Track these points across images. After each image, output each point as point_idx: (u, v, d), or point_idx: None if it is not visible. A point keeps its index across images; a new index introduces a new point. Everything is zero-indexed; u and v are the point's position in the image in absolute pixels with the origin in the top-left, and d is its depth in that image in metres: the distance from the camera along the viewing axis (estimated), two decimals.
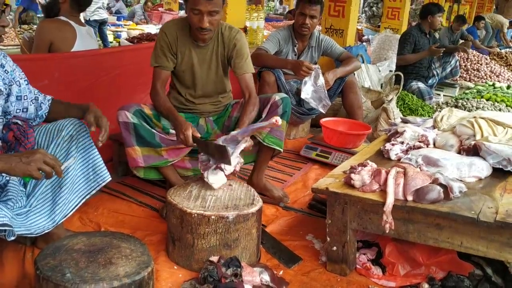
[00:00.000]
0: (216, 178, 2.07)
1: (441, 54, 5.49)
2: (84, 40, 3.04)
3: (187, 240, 1.98)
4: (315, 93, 3.43)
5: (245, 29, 4.04)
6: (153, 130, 2.39)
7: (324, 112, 3.49)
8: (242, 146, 2.11)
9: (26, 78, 1.96)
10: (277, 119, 2.03)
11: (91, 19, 7.72)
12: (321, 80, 3.41)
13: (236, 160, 2.09)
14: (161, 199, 2.65)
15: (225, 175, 2.08)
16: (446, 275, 1.95)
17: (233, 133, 2.14)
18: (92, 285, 1.51)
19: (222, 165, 2.08)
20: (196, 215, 1.92)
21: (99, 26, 8.22)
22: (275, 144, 2.51)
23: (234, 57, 2.48)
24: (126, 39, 5.84)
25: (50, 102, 2.03)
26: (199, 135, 2.25)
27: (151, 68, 3.26)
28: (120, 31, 9.43)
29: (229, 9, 3.79)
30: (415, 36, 5.28)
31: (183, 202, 2.00)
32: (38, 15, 8.59)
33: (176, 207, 1.98)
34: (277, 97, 2.51)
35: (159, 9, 13.59)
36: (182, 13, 14.23)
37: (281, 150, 2.56)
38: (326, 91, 3.44)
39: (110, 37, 8.98)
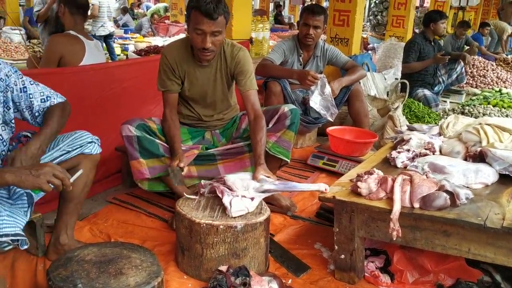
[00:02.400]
0: (238, 207, 2.00)
1: (447, 61, 5.49)
2: (93, 54, 3.09)
3: (196, 250, 2.00)
4: (323, 101, 3.45)
5: (251, 40, 4.09)
6: (157, 141, 2.43)
7: (332, 120, 3.52)
8: (263, 196, 2.11)
9: (29, 79, 1.95)
10: (326, 188, 2.02)
11: (96, 34, 7.82)
12: (328, 89, 3.43)
13: (257, 201, 2.07)
14: (170, 210, 2.67)
15: (246, 207, 2.03)
16: (455, 282, 1.95)
17: (266, 187, 2.09)
18: None
19: (246, 197, 2.05)
20: (204, 225, 1.94)
21: (105, 39, 8.33)
22: (282, 155, 2.54)
23: (237, 75, 2.50)
24: (134, 52, 5.91)
25: (53, 104, 1.99)
26: (182, 165, 2.32)
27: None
28: (127, 44, 9.54)
29: (235, 21, 3.84)
30: (419, 44, 5.29)
31: (192, 212, 2.02)
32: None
33: (185, 217, 2.00)
34: (286, 108, 2.54)
35: (166, 21, 13.71)
36: None
37: (288, 161, 2.59)
38: (333, 100, 3.46)
39: (117, 50, 9.09)
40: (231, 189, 2.09)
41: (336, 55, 3.78)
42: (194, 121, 2.65)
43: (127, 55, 6.63)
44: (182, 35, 11.48)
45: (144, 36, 11.09)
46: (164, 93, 2.51)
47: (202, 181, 2.20)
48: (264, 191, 2.09)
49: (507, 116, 4.80)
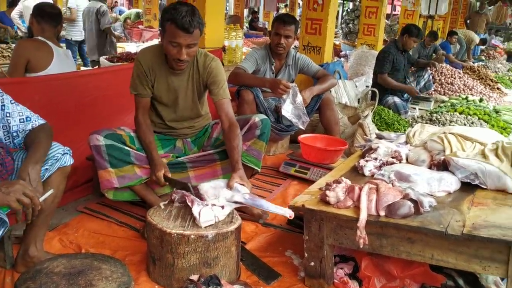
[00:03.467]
0: (207, 217, 2.01)
1: (417, 94, 5.70)
2: (61, 61, 3.07)
3: (168, 260, 2.01)
4: (294, 110, 3.51)
5: (223, 49, 4.11)
6: (126, 148, 2.44)
7: (303, 128, 3.57)
8: (234, 207, 2.14)
9: (10, 98, 1.96)
10: (291, 215, 2.05)
11: (73, 38, 7.72)
12: (299, 98, 3.49)
13: (228, 210, 2.10)
14: (141, 219, 2.66)
15: (216, 216, 2.04)
16: (420, 287, 2.02)
17: (236, 199, 2.12)
18: None
19: (217, 205, 2.07)
20: (175, 234, 1.95)
21: (79, 44, 8.23)
22: (252, 163, 2.58)
23: (210, 85, 2.53)
24: (106, 59, 5.86)
25: (36, 126, 1.99)
26: (169, 175, 2.39)
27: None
28: None
29: (208, 29, 3.86)
30: (393, 54, 5.43)
31: (163, 222, 2.03)
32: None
33: (156, 227, 2.01)
34: (257, 118, 2.59)
35: (139, 26, 13.60)
36: None
37: (258, 170, 2.64)
38: (304, 108, 3.52)
39: None
40: (202, 198, 2.11)
41: (307, 64, 3.84)
42: (165, 129, 2.66)
43: (99, 61, 6.56)
44: (156, 41, 11.41)
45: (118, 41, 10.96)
46: (136, 96, 2.52)
47: (175, 189, 2.21)
48: (234, 202, 2.12)
49: (472, 123, 4.96)
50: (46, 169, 1.93)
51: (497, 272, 1.72)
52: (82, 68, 6.74)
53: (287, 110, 3.46)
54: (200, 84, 2.56)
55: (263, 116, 2.63)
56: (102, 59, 5.74)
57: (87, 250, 2.31)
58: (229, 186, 2.17)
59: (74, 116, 2.91)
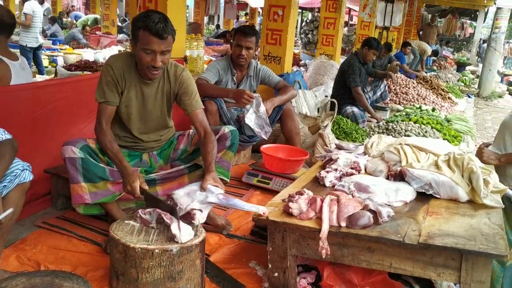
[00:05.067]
0: (186, 232, 2.01)
1: (380, 120, 5.90)
2: (19, 75, 2.96)
3: (131, 275, 1.99)
4: (257, 119, 3.56)
5: (185, 58, 4.12)
6: (101, 165, 2.37)
7: (266, 138, 3.62)
8: (210, 207, 2.17)
9: None
10: (265, 212, 2.07)
11: (28, 45, 7.49)
12: (262, 108, 3.54)
13: (202, 220, 2.11)
14: (103, 233, 2.62)
15: (192, 229, 2.05)
16: None
17: (210, 200, 2.13)
18: None
19: (194, 215, 2.07)
20: (139, 249, 1.94)
21: (34, 51, 7.99)
22: (222, 175, 2.60)
23: (182, 95, 2.51)
24: (63, 67, 5.71)
25: (2, 140, 1.94)
26: (147, 187, 2.29)
27: (90, 100, 3.23)
28: (56, 56, 9.19)
29: None
30: (358, 66, 5.61)
31: (126, 236, 2.01)
32: None
33: (119, 242, 1.99)
34: (227, 129, 2.62)
35: (97, 32, 13.35)
36: (120, 36, 14.07)
37: (228, 180, 2.67)
38: (267, 118, 3.58)
39: (45, 62, 8.73)
40: (177, 206, 2.10)
41: (268, 75, 3.91)
42: (131, 143, 2.61)
43: (55, 68, 6.39)
44: (114, 47, 11.22)
45: (73, 48, 10.72)
46: (103, 104, 2.40)
47: (140, 211, 2.15)
48: (208, 203, 2.13)
49: (426, 132, 5.17)
50: (5, 185, 1.89)
51: (450, 278, 1.82)
52: (38, 76, 6.54)
53: (251, 119, 3.51)
54: (170, 95, 2.54)
55: (232, 128, 2.67)
56: (59, 67, 5.60)
57: (46, 266, 2.25)
58: (202, 188, 2.17)
59: (30, 127, 2.83)
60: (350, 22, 20.08)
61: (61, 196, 2.92)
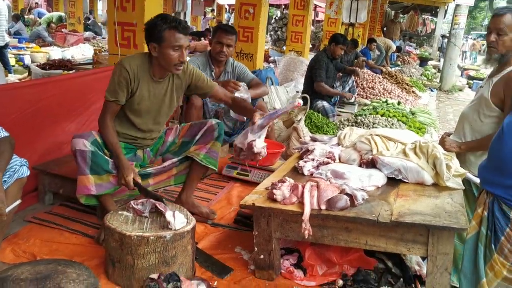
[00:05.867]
0: (181, 219, 2.18)
1: (351, 98, 6.15)
2: None
3: (127, 261, 2.12)
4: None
5: None
6: (106, 157, 2.49)
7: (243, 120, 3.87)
8: (265, 131, 2.44)
9: None
10: (299, 102, 2.47)
11: None
12: (248, 95, 3.72)
13: (262, 144, 2.42)
14: (93, 226, 2.73)
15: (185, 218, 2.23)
16: (356, 270, 2.30)
17: (258, 123, 2.43)
18: None
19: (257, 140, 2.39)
20: (135, 237, 2.08)
21: (0, 49, 7.86)
22: (211, 165, 2.79)
23: (196, 83, 2.71)
24: (37, 65, 5.68)
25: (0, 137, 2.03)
26: (140, 181, 2.48)
27: (72, 99, 3.33)
28: (23, 54, 9.05)
29: None
30: (326, 62, 5.82)
31: (122, 226, 2.14)
32: None
33: (115, 231, 2.11)
34: (213, 121, 2.80)
35: (63, 30, 13.14)
36: (87, 34, 13.89)
37: (216, 170, 2.86)
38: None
39: (12, 61, 8.59)
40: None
41: (244, 72, 4.07)
42: (130, 140, 2.69)
43: (29, 68, 6.32)
44: (81, 45, 11.11)
45: (40, 46, 10.55)
46: (111, 102, 2.50)
47: (132, 202, 2.29)
48: (260, 130, 2.42)
49: (392, 124, 5.46)
50: (5, 180, 1.98)
51: (419, 252, 2.04)
52: (10, 76, 6.45)
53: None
54: (181, 88, 2.71)
55: (218, 120, 2.85)
56: (33, 66, 5.57)
57: (42, 258, 2.34)
58: (253, 123, 2.44)
59: (17, 126, 2.89)
60: (317, 19, 20.41)
61: (48, 192, 3.00)
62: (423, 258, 2.42)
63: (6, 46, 8.09)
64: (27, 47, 9.96)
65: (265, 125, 2.44)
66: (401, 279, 2.27)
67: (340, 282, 2.26)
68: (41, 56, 9.08)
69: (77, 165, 2.44)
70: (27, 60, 8.84)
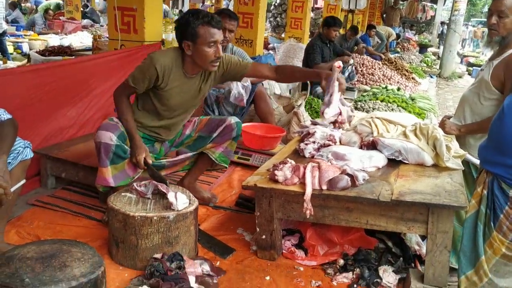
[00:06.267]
0: (183, 200, 2.20)
1: (349, 61, 6.07)
2: None
3: (131, 242, 2.15)
4: (242, 90, 3.73)
5: (162, 42, 4.21)
6: (127, 147, 2.46)
7: (245, 105, 3.87)
8: (337, 95, 2.52)
9: None
10: (340, 65, 2.55)
11: None
12: (248, 81, 3.72)
13: (344, 109, 2.65)
14: (95, 208, 2.75)
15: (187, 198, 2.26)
16: (357, 250, 2.33)
17: (325, 100, 2.58)
18: (52, 287, 1.64)
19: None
20: (139, 217, 2.10)
21: None
22: (224, 162, 2.81)
23: (229, 70, 2.62)
24: (37, 52, 5.67)
25: (3, 120, 2.03)
26: (150, 162, 2.45)
27: (73, 85, 3.32)
28: (21, 42, 9.01)
29: (147, 24, 3.94)
30: (320, 46, 5.81)
31: (125, 207, 2.17)
32: None
33: (119, 212, 2.14)
34: (232, 120, 2.75)
35: (61, 18, 13.06)
36: (85, 22, 13.79)
37: (227, 166, 2.87)
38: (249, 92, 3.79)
39: (10, 48, 8.56)
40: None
41: (244, 57, 4.06)
42: (153, 132, 2.67)
43: (28, 55, 6.30)
44: (80, 33, 11.04)
45: (38, 33, 10.51)
46: (131, 86, 2.47)
47: (134, 184, 2.31)
48: (328, 101, 2.63)
49: (392, 110, 5.47)
50: (9, 162, 1.99)
51: (419, 230, 2.07)
52: (9, 63, 6.44)
53: (238, 87, 3.69)
54: (213, 81, 2.64)
55: (237, 119, 2.79)
56: (33, 53, 5.56)
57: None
58: (323, 87, 2.59)
59: (21, 110, 2.90)
60: (316, 5, 20.28)
61: (50, 176, 3.02)
62: (423, 239, 2.46)
63: (4, 33, 8.06)
64: (25, 35, 9.92)
65: (330, 92, 2.50)
66: (401, 259, 2.30)
67: (341, 262, 2.29)
68: (39, 44, 9.02)
69: (99, 156, 2.42)
70: (25, 47, 8.81)
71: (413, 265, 2.32)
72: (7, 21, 11.44)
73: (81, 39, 10.08)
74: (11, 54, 8.46)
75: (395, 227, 2.10)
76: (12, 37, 9.36)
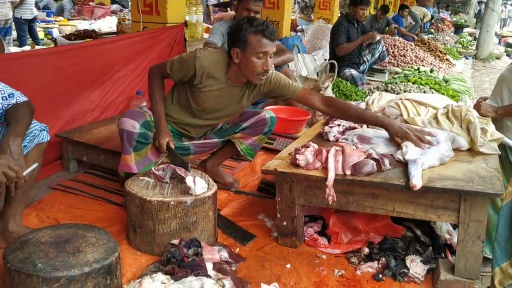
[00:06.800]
0: (201, 185, 2.13)
1: (376, 38, 5.80)
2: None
3: (148, 227, 2.10)
4: None
5: (185, 24, 4.14)
6: (150, 133, 2.43)
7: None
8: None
9: None
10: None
11: (22, 17, 7.44)
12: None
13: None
14: (116, 192, 2.73)
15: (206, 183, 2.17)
16: (383, 238, 2.22)
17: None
18: (64, 272, 1.61)
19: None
20: (156, 202, 2.05)
21: (29, 23, 7.94)
22: (249, 156, 2.71)
23: (279, 91, 2.47)
24: (62, 37, 5.71)
25: (19, 102, 2.00)
26: (173, 146, 2.39)
27: (95, 68, 3.29)
28: (51, 28, 9.13)
29: (170, 5, 3.87)
30: (345, 26, 5.60)
31: (142, 191, 2.12)
32: None
33: (135, 196, 2.09)
34: (267, 115, 2.62)
35: (90, 3, 13.16)
36: (114, 7, 13.87)
37: (251, 160, 2.79)
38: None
39: (41, 34, 8.69)
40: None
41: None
42: (181, 129, 2.60)
43: (55, 40, 6.37)
44: (108, 18, 11.10)
45: (68, 19, 10.63)
46: (165, 71, 2.42)
47: (152, 168, 2.26)
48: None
49: (424, 92, 5.25)
50: (25, 145, 1.96)
51: (449, 219, 1.93)
52: (37, 48, 6.53)
53: None
54: (257, 95, 2.53)
55: (272, 114, 2.66)
56: (59, 37, 5.60)
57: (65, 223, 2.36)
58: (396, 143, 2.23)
59: (43, 93, 2.90)
60: None
61: (72, 160, 3.02)
62: (454, 227, 2.31)
63: (34, 19, 8.18)
64: (55, 21, 10.05)
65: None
66: (430, 248, 2.17)
67: (366, 250, 2.18)
68: (69, 29, 9.12)
69: (122, 144, 2.38)
70: (55, 33, 8.92)
71: (443, 255, 2.18)
72: (38, 8, 11.64)
73: (109, 24, 10.13)
74: (42, 39, 8.60)
75: (424, 215, 1.97)
76: (42, 23, 9.51)
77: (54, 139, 2.98)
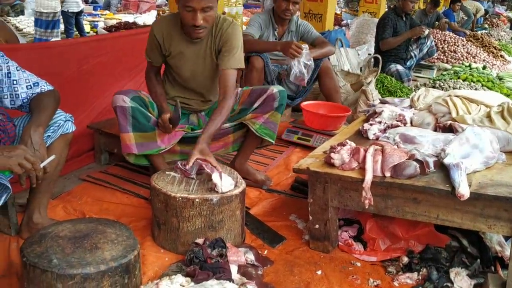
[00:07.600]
0: (227, 183, 2.01)
1: (424, 33, 5.49)
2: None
3: (173, 224, 2.01)
4: (305, 70, 3.40)
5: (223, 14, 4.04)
6: (148, 113, 2.37)
7: (304, 85, 3.49)
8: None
9: (16, 65, 1.91)
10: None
11: (69, 10, 7.59)
12: (311, 59, 3.39)
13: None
14: (145, 186, 2.65)
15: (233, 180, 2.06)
16: (424, 247, 2.02)
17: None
18: (79, 270, 1.53)
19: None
20: (180, 198, 1.95)
21: (76, 16, 8.10)
22: (268, 136, 2.57)
23: (223, 51, 2.36)
24: (104, 28, 5.76)
25: (44, 91, 1.95)
26: (177, 122, 2.36)
27: (129, 58, 3.25)
28: (97, 21, 9.30)
29: None
30: (392, 20, 5.34)
31: (167, 186, 2.02)
32: None
33: (160, 192, 2.00)
34: (275, 89, 2.51)
35: None
36: (159, 1, 14.04)
37: (273, 142, 2.62)
38: (311, 71, 3.45)
39: (87, 27, 8.86)
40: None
41: (308, 30, 3.78)
42: (183, 104, 2.52)
43: (96, 32, 6.45)
44: (154, 12, 11.23)
45: (114, 13, 10.83)
46: (148, 62, 2.51)
47: (179, 162, 2.15)
48: None
49: (476, 89, 4.91)
50: (49, 135, 1.91)
51: (502, 230, 1.72)
52: None
53: (299, 66, 3.36)
54: (216, 52, 2.41)
55: (280, 88, 2.55)
56: (100, 29, 5.65)
57: (91, 216, 2.31)
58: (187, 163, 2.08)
59: (74, 83, 2.88)
60: None
61: (104, 151, 2.98)
62: (506, 239, 2.08)
63: (81, 12, 8.32)
64: (101, 14, 10.25)
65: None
66: (478, 261, 1.95)
67: (405, 259, 2.00)
68: (114, 23, 9.29)
69: (118, 122, 2.34)
70: (101, 26, 9.09)
71: (492, 269, 1.96)
72: (86, 1, 11.94)
73: (154, 18, 10.24)
74: (88, 33, 8.76)
75: (472, 225, 1.77)
76: (89, 17, 9.70)
77: (87, 130, 2.96)
